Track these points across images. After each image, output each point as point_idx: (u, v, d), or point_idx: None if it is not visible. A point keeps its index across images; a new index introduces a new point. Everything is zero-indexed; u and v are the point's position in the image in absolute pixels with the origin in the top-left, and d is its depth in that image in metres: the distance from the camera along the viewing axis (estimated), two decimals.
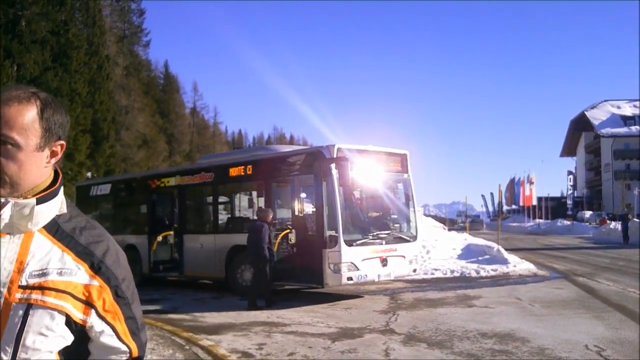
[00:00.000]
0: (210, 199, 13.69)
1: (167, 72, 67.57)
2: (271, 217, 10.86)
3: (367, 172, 11.17)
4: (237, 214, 13.96)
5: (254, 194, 13.32)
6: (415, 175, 12.20)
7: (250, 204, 13.66)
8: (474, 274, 15.05)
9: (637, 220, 34.28)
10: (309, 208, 12.43)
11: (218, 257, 12.55)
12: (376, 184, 11.58)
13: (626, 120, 71.19)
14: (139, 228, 15.29)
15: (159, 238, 14.54)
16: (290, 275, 11.21)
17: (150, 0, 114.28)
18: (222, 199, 13.88)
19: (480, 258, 16.83)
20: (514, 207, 73.81)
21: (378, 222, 11.49)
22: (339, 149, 10.48)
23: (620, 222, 34.37)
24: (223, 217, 13.73)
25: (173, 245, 14.42)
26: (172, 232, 14.50)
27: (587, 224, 52.27)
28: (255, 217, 12.55)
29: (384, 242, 11.00)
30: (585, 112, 74.40)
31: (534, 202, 60.33)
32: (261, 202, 12.68)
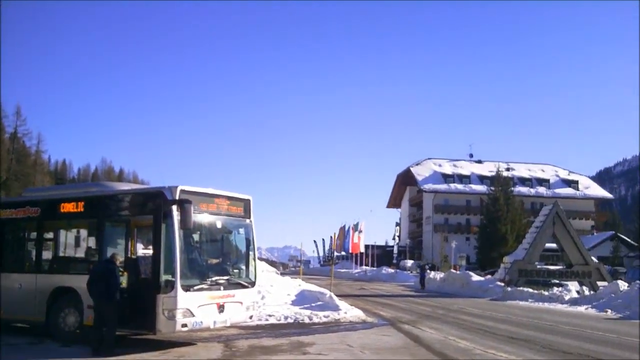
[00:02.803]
0: (34, 235, 12.60)
1: None
2: (120, 260, 10.40)
3: (209, 216, 10.99)
4: (63, 253, 12.93)
5: (85, 232, 12.53)
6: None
7: (79, 243, 12.80)
8: (307, 320, 15.26)
9: (455, 271, 36.96)
10: (145, 250, 11.94)
11: (38, 299, 11.53)
12: (218, 228, 11.40)
13: (446, 178, 77.40)
14: None
15: None
16: (119, 320, 10.54)
17: None
18: (47, 236, 12.81)
19: (313, 304, 17.13)
20: (343, 253, 76.43)
21: (217, 267, 11.26)
22: (182, 191, 10.24)
23: (419, 272, 39.86)
24: (47, 256, 12.67)
25: None
26: None
27: (409, 272, 55.43)
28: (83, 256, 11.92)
29: (222, 288, 10.81)
30: (411, 168, 79.93)
31: (362, 250, 62.92)
32: (92, 241, 11.99)
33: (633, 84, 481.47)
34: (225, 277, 11.11)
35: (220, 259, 11.64)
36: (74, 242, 13.01)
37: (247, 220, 12.01)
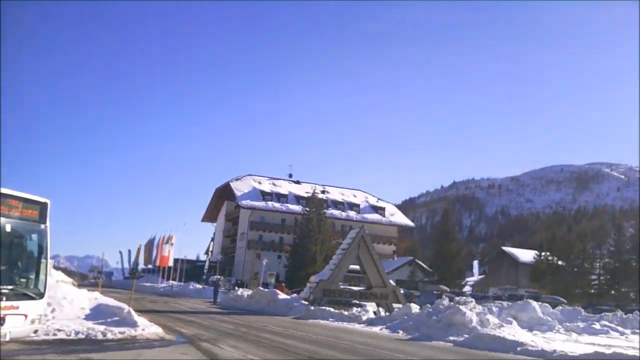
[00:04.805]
0: None
1: None
2: None
3: None
4: None
5: None
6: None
7: None
8: (100, 337, 14.37)
9: (263, 289, 37.23)
10: None
11: None
12: (7, 232, 10.37)
13: (265, 195, 78.38)
14: None
15: None
16: None
17: None
18: None
19: (109, 319, 16.19)
20: (149, 266, 73.97)
21: (2, 275, 10.25)
22: None
23: (213, 287, 42.81)
24: None
25: None
26: None
27: (220, 289, 54.92)
28: None
29: (4, 298, 9.86)
30: (230, 183, 79.88)
31: (170, 264, 61.10)
32: None
33: (440, 124, 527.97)
34: (10, 287, 10.16)
35: (6, 266, 10.62)
36: None
37: (42, 226, 11.10)
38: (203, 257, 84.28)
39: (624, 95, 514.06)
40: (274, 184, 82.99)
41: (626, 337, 24.05)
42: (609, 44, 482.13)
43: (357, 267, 34.67)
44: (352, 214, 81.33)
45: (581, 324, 26.61)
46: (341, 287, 32.97)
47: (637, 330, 25.95)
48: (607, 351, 14.81)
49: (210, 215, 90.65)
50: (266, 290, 36.18)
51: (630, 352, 14.73)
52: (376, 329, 23.08)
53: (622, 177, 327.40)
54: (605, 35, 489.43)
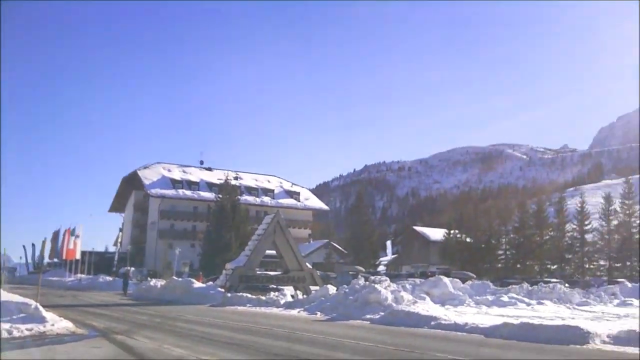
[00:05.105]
0: None
1: None
2: None
3: None
4: None
5: None
6: None
7: None
8: (6, 335, 13.55)
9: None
10: None
11: None
12: None
13: (175, 183, 76.71)
14: None
15: None
16: None
17: None
18: None
19: (14, 317, 15.30)
20: (56, 260, 70.94)
21: None
22: None
23: (122, 279, 42.49)
24: None
25: None
26: None
27: (130, 280, 53.46)
28: None
29: None
30: (138, 171, 77.59)
31: (78, 256, 58.81)
32: None
33: (349, 108, 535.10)
34: None
35: None
36: None
37: None
38: (112, 249, 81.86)
39: (523, 77, 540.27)
40: (184, 172, 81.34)
41: (532, 307, 25.30)
42: (506, 30, 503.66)
43: (273, 252, 34.58)
44: (266, 199, 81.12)
45: (490, 297, 27.75)
46: (258, 272, 32.81)
47: (542, 301, 27.35)
48: (515, 321, 15.42)
49: (117, 206, 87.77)
50: (180, 279, 35.50)
51: (536, 321, 15.43)
52: (294, 312, 23.10)
53: (524, 157, 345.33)
54: (502, 20, 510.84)
